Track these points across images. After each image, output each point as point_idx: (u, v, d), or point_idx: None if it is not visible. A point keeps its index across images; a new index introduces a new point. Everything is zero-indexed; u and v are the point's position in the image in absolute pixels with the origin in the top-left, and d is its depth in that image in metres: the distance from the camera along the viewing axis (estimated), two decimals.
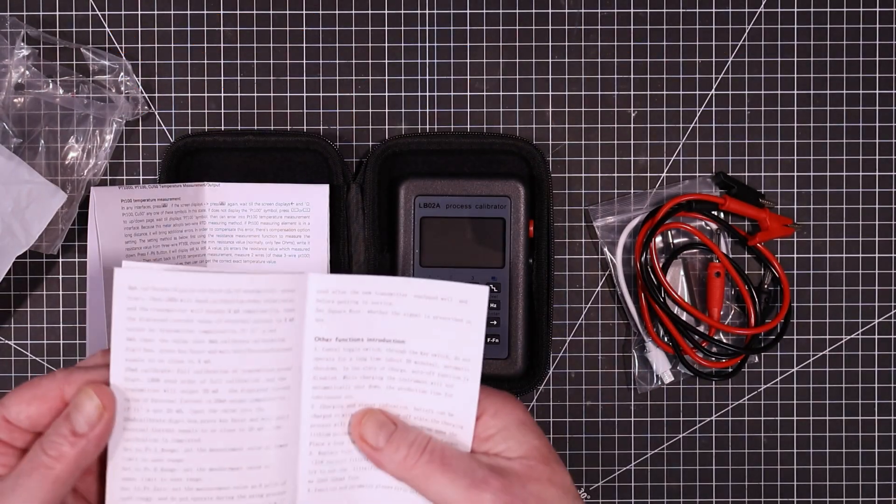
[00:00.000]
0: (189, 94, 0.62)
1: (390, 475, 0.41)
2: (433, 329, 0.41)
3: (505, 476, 0.39)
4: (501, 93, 0.62)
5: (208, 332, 0.39)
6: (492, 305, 0.59)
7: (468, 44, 0.62)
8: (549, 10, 0.62)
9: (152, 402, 0.39)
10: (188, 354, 0.39)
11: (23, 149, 0.60)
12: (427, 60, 0.62)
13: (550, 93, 0.62)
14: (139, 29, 0.62)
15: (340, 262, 0.60)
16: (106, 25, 0.62)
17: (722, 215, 0.61)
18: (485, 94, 0.62)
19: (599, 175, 0.62)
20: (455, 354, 0.41)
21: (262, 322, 0.40)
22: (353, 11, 0.62)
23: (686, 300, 0.61)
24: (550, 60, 0.62)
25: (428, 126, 0.62)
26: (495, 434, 0.41)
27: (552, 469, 0.40)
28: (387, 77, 0.62)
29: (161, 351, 0.39)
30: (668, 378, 0.61)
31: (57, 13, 0.62)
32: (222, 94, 0.62)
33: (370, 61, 0.62)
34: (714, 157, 0.62)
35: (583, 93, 0.62)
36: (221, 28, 0.62)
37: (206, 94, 0.62)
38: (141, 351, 0.39)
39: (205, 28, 0.62)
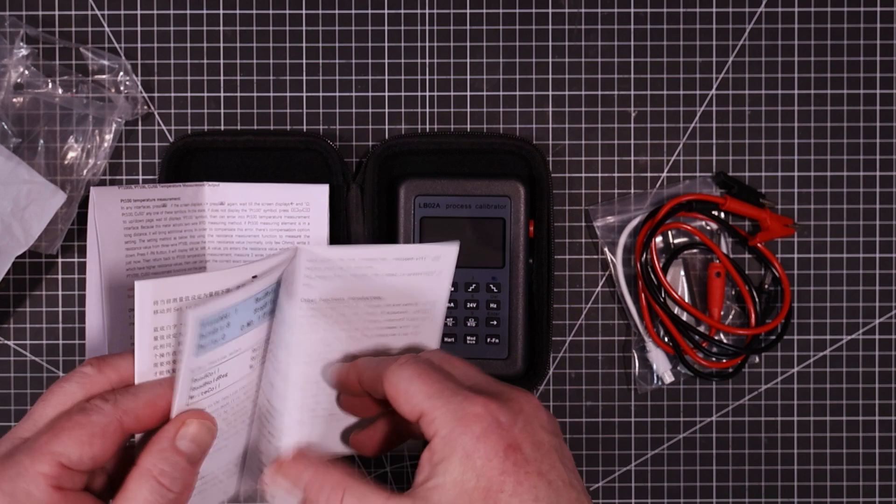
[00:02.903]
0: (189, 94, 0.62)
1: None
2: (408, 284, 0.43)
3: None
4: (501, 93, 0.62)
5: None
6: (492, 305, 0.59)
7: (468, 44, 0.62)
8: (549, 10, 0.62)
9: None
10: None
11: (22, 149, 0.60)
12: (427, 60, 0.62)
13: (550, 93, 0.62)
14: (139, 29, 0.62)
15: None
16: (105, 25, 0.62)
17: (722, 215, 0.61)
18: (485, 94, 0.62)
19: (599, 175, 0.62)
20: (424, 300, 0.44)
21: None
22: (353, 11, 0.62)
23: (686, 300, 0.61)
24: (550, 60, 0.62)
25: (428, 126, 0.62)
26: (439, 463, 0.36)
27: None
28: (387, 77, 0.62)
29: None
30: (669, 378, 0.61)
31: (56, 13, 0.62)
32: (222, 94, 0.62)
33: (370, 61, 0.62)
34: (714, 157, 0.62)
35: (583, 93, 0.62)
36: (221, 28, 0.62)
37: (205, 94, 0.62)
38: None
39: (205, 28, 0.62)
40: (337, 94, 0.62)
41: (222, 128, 0.62)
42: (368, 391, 0.41)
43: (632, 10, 0.62)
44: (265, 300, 0.42)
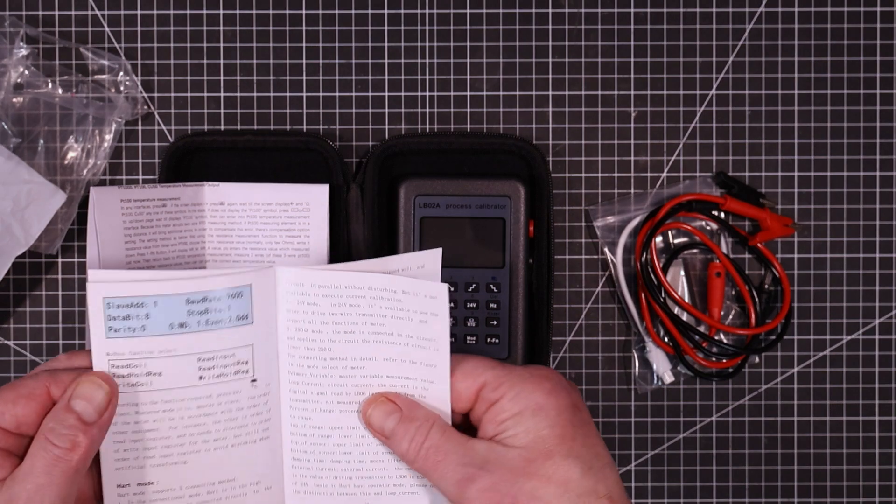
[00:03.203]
0: (189, 94, 0.62)
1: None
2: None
3: (497, 470, 0.38)
4: (501, 93, 0.62)
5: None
6: (492, 305, 0.59)
7: (468, 44, 0.62)
8: (549, 10, 0.62)
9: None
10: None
11: (22, 148, 0.60)
12: (427, 60, 0.62)
13: (550, 93, 0.62)
14: (139, 29, 0.62)
15: (340, 262, 0.60)
16: (105, 25, 0.62)
17: (722, 215, 0.61)
18: (485, 94, 0.62)
19: (599, 175, 0.62)
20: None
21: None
22: (353, 11, 0.62)
23: (686, 300, 0.61)
24: (550, 60, 0.62)
25: (428, 126, 0.62)
26: (508, 418, 0.40)
27: (554, 463, 0.38)
28: (387, 77, 0.62)
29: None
30: (669, 378, 0.61)
31: (56, 13, 0.62)
32: (222, 94, 0.62)
33: (370, 61, 0.62)
34: (714, 157, 0.62)
35: (583, 93, 0.62)
36: (221, 28, 0.62)
37: (205, 94, 0.62)
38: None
39: (205, 28, 0.62)
40: (337, 94, 0.62)
41: (222, 128, 0.62)
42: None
43: (632, 10, 0.62)
44: (209, 307, 0.42)
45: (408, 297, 0.43)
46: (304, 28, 0.62)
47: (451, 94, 0.62)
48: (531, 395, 0.40)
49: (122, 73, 0.60)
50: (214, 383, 0.43)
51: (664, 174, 0.62)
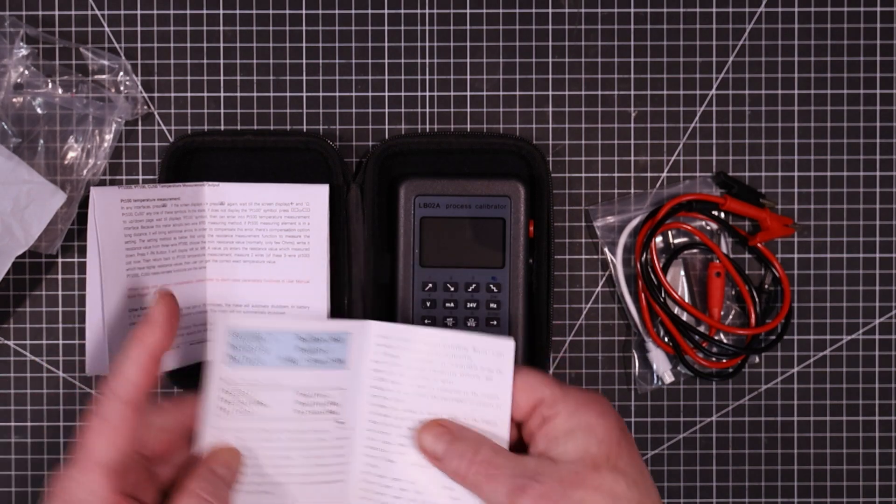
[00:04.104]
0: (189, 94, 0.62)
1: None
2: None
3: (548, 481, 0.40)
4: (501, 93, 0.62)
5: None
6: (492, 305, 0.59)
7: (468, 44, 0.62)
8: (549, 10, 0.62)
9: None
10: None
11: (22, 148, 0.60)
12: (427, 60, 0.62)
13: (550, 93, 0.62)
14: (139, 29, 0.62)
15: (340, 262, 0.60)
16: (105, 25, 0.62)
17: (722, 215, 0.61)
18: (485, 94, 0.62)
19: (599, 175, 0.62)
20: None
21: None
22: (353, 11, 0.62)
23: (686, 300, 0.61)
24: (550, 60, 0.62)
25: (428, 126, 0.62)
26: (561, 436, 0.42)
27: (601, 476, 0.40)
28: (387, 77, 0.62)
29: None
30: (669, 378, 0.61)
31: (56, 13, 0.62)
32: (222, 94, 0.62)
33: (370, 61, 0.62)
34: (714, 157, 0.62)
35: (583, 93, 0.62)
36: (221, 28, 0.62)
37: (205, 94, 0.62)
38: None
39: (205, 28, 0.62)
40: (337, 94, 0.62)
41: (222, 128, 0.62)
42: None
43: (632, 10, 0.62)
44: (316, 346, 0.45)
45: (477, 354, 0.45)
46: (304, 28, 0.62)
47: (451, 94, 0.62)
48: (584, 416, 0.42)
49: (122, 73, 0.60)
50: (309, 419, 0.46)
51: (664, 174, 0.62)
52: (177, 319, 0.44)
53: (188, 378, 0.60)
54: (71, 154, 0.61)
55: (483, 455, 0.43)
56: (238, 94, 0.62)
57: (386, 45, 0.62)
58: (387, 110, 0.62)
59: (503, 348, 0.45)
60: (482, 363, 0.45)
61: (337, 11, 0.62)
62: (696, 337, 0.60)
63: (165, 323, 0.43)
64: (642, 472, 0.42)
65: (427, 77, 0.62)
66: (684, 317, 0.61)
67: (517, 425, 0.46)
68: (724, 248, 0.61)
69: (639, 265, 0.60)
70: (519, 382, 0.45)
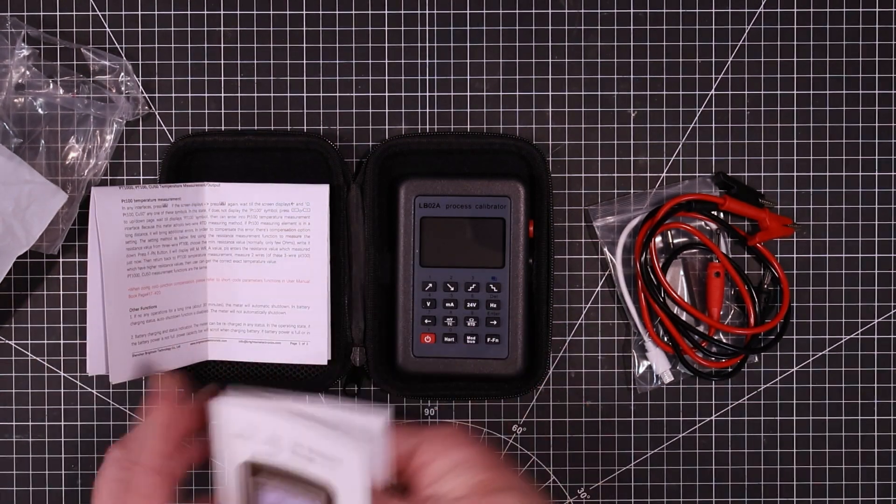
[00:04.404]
0: (189, 94, 0.62)
1: None
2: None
3: None
4: (501, 93, 0.62)
5: None
6: (492, 305, 0.59)
7: (468, 44, 0.62)
8: (549, 10, 0.62)
9: None
10: None
11: (23, 149, 0.60)
12: (427, 60, 0.62)
13: (550, 93, 0.62)
14: (139, 29, 0.62)
15: (340, 262, 0.60)
16: (106, 25, 0.62)
17: (722, 215, 0.61)
18: (485, 94, 0.62)
19: (599, 175, 0.62)
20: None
21: None
22: (353, 11, 0.62)
23: (686, 300, 0.61)
24: (550, 60, 0.62)
25: (428, 126, 0.62)
26: (443, 475, 0.42)
27: (497, 498, 0.40)
28: (387, 77, 0.62)
29: None
30: (668, 378, 0.61)
31: (57, 13, 0.62)
32: (222, 94, 0.62)
33: (370, 61, 0.62)
34: (714, 157, 0.62)
35: (583, 93, 0.62)
36: (221, 28, 0.62)
37: (206, 94, 0.62)
38: None
39: (205, 28, 0.62)
40: (337, 94, 0.62)
41: (223, 128, 0.62)
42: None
43: (632, 10, 0.62)
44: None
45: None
46: (304, 28, 0.62)
47: (451, 94, 0.62)
48: (457, 451, 0.42)
49: (122, 74, 0.60)
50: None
51: (664, 174, 0.62)
52: (180, 387, 0.46)
53: (188, 378, 0.60)
54: (72, 154, 0.61)
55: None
56: (239, 95, 0.62)
57: (386, 45, 0.62)
58: (387, 110, 0.62)
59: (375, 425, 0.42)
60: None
61: (337, 12, 0.62)
62: (696, 337, 0.60)
63: (169, 394, 0.45)
64: (526, 486, 0.42)
65: (427, 77, 0.62)
66: (684, 317, 0.61)
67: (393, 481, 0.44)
68: (723, 248, 0.61)
69: (638, 265, 0.60)
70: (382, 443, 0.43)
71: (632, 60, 0.62)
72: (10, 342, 0.62)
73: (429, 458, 0.42)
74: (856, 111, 0.62)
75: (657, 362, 0.61)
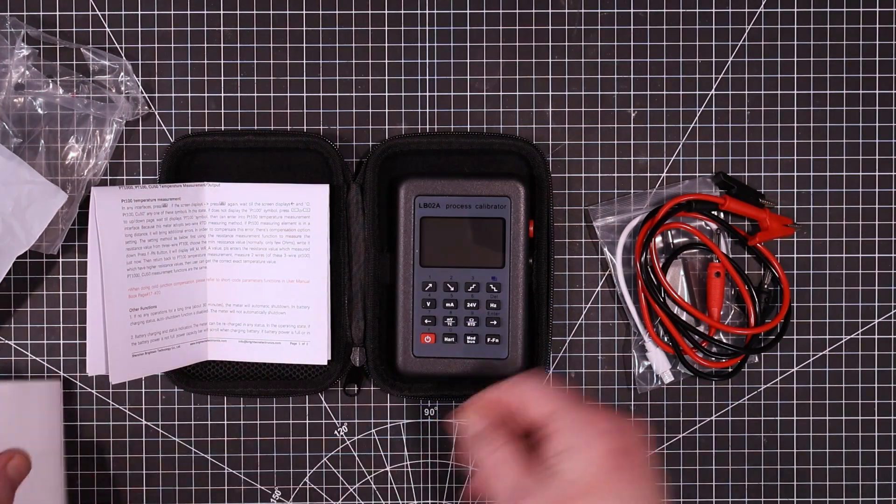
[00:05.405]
0: (189, 94, 0.62)
1: None
2: None
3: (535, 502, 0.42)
4: (501, 93, 0.62)
5: None
6: (492, 305, 0.59)
7: (468, 44, 0.62)
8: (549, 10, 0.62)
9: None
10: None
11: (23, 149, 0.60)
12: (427, 60, 0.62)
13: (550, 93, 0.62)
14: (139, 29, 0.62)
15: (340, 262, 0.60)
16: (106, 25, 0.62)
17: (722, 215, 0.61)
18: (485, 94, 0.62)
19: (599, 175, 0.62)
20: None
21: None
22: (353, 11, 0.62)
23: (686, 300, 0.61)
24: (550, 60, 0.62)
25: (428, 126, 0.62)
26: (563, 451, 0.43)
27: (587, 502, 0.41)
28: (387, 77, 0.62)
29: None
30: (668, 378, 0.61)
31: (57, 13, 0.62)
32: (222, 94, 0.62)
33: (370, 61, 0.62)
34: (714, 157, 0.62)
35: (583, 93, 0.62)
36: (221, 28, 0.62)
37: (206, 94, 0.62)
38: None
39: (205, 28, 0.62)
40: (337, 94, 0.62)
41: (223, 128, 0.62)
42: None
43: (632, 10, 0.62)
44: None
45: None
46: (304, 28, 0.62)
47: (451, 94, 0.62)
48: (586, 434, 0.43)
49: (122, 74, 0.60)
50: None
51: (664, 174, 0.62)
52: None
53: (188, 378, 0.60)
54: (72, 154, 0.61)
55: (497, 457, 0.45)
56: (238, 95, 0.62)
57: (386, 45, 0.62)
58: (387, 110, 0.62)
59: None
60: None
61: (337, 12, 0.62)
62: (696, 337, 0.60)
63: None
64: (640, 497, 0.43)
65: (427, 77, 0.62)
66: (684, 317, 0.61)
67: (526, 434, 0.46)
68: (723, 248, 0.61)
69: (638, 265, 0.60)
70: (532, 393, 0.46)
71: (632, 60, 0.62)
72: (9, 342, 0.62)
73: (560, 426, 0.44)
74: (856, 111, 0.62)
75: (657, 362, 0.61)
